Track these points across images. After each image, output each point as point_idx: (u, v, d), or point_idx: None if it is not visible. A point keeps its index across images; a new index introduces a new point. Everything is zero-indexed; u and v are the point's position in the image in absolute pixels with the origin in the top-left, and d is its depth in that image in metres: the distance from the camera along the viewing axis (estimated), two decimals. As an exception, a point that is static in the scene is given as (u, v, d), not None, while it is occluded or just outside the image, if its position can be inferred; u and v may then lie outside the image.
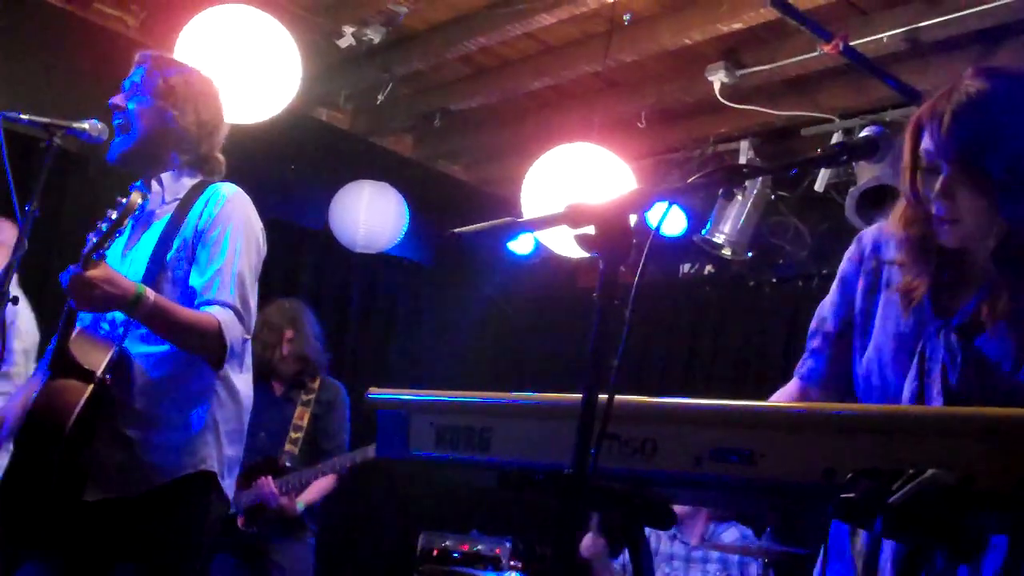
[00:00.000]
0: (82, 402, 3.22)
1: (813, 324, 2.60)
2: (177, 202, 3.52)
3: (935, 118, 2.24)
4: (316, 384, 6.15)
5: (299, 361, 6.13)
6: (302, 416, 6.03)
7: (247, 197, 3.60)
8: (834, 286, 2.57)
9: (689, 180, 1.88)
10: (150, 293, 3.19)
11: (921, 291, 2.33)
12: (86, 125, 3.46)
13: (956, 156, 2.20)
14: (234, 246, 3.45)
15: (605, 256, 1.78)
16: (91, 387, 3.25)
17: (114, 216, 3.06)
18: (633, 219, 1.81)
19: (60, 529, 3.30)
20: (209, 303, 3.34)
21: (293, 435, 5.99)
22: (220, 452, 3.46)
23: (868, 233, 2.54)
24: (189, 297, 3.39)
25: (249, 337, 3.48)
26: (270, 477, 5.74)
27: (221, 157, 3.71)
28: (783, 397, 2.60)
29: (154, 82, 3.57)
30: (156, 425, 3.35)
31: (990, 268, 2.26)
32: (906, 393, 2.27)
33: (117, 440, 3.30)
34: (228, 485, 3.49)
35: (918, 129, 2.30)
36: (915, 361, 2.28)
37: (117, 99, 3.54)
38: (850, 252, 2.55)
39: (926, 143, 2.26)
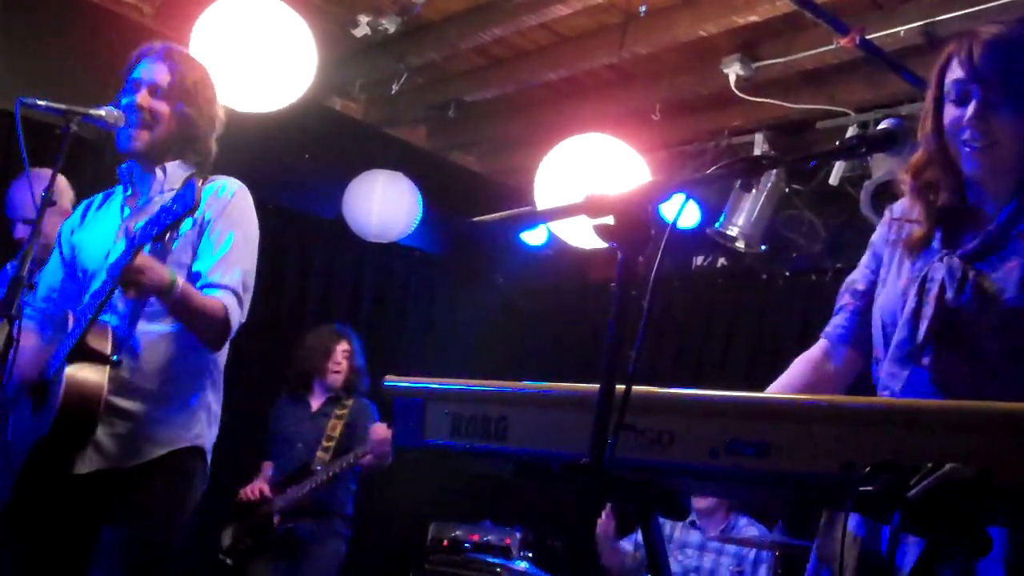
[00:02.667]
0: (105, 384, 3.32)
1: (843, 287, 2.63)
2: (174, 191, 3.54)
3: (963, 49, 2.30)
4: (350, 402, 6.57)
5: (351, 373, 6.61)
6: (335, 428, 6.47)
7: (248, 192, 3.69)
8: (867, 251, 2.63)
9: (708, 171, 1.88)
10: (180, 280, 3.28)
11: (925, 233, 2.39)
12: (103, 112, 3.47)
13: (992, 75, 2.26)
14: (239, 238, 3.56)
15: (623, 247, 1.78)
16: (108, 368, 3.33)
17: (174, 209, 3.06)
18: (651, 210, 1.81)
19: (50, 503, 3.40)
20: (213, 286, 3.45)
21: (325, 444, 6.41)
22: (210, 430, 3.61)
23: (897, 203, 2.59)
24: (191, 281, 3.46)
25: (243, 320, 3.55)
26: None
27: (214, 148, 3.76)
28: (805, 361, 2.66)
29: (183, 86, 3.62)
30: (155, 401, 3.45)
31: (1003, 200, 2.33)
32: (906, 308, 2.30)
33: (116, 413, 3.38)
34: (208, 464, 3.62)
35: (945, 65, 2.36)
36: (917, 284, 2.32)
37: (141, 99, 3.55)
38: (882, 220, 2.62)
39: (955, 74, 2.32)
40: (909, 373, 2.27)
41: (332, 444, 6.42)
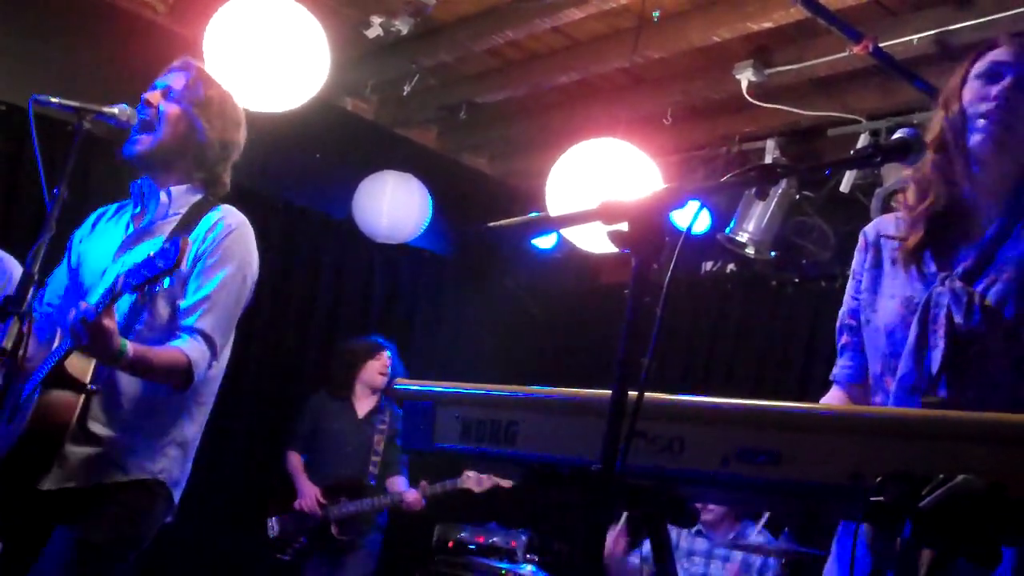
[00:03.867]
0: (76, 413, 3.30)
1: (838, 324, 2.63)
2: (179, 217, 3.54)
3: (1011, 41, 2.37)
4: (388, 416, 6.93)
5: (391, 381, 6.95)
6: (379, 443, 6.86)
7: (250, 228, 3.61)
8: (849, 281, 2.62)
9: (723, 179, 1.88)
10: (130, 348, 3.21)
11: (917, 242, 2.38)
12: (116, 110, 3.46)
13: None
14: (226, 278, 3.48)
15: (637, 253, 1.78)
16: (82, 397, 3.30)
17: (157, 264, 3.01)
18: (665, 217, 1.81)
19: (16, 512, 3.42)
20: (188, 329, 3.40)
21: (373, 458, 6.83)
22: (182, 466, 3.56)
23: (869, 225, 2.61)
24: (174, 315, 3.45)
25: (215, 364, 3.50)
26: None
27: (228, 181, 3.72)
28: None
29: (195, 92, 3.60)
30: (126, 429, 3.41)
31: (994, 212, 2.34)
32: (909, 340, 2.28)
33: (87, 437, 3.35)
34: (177, 495, 3.57)
35: (986, 50, 2.42)
36: (919, 310, 2.31)
37: (151, 96, 3.55)
38: (857, 246, 2.62)
39: (997, 55, 2.37)
40: (917, 407, 2.26)
41: (379, 459, 6.84)
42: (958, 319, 2.24)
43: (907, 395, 2.29)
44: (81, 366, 3.29)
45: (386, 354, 6.94)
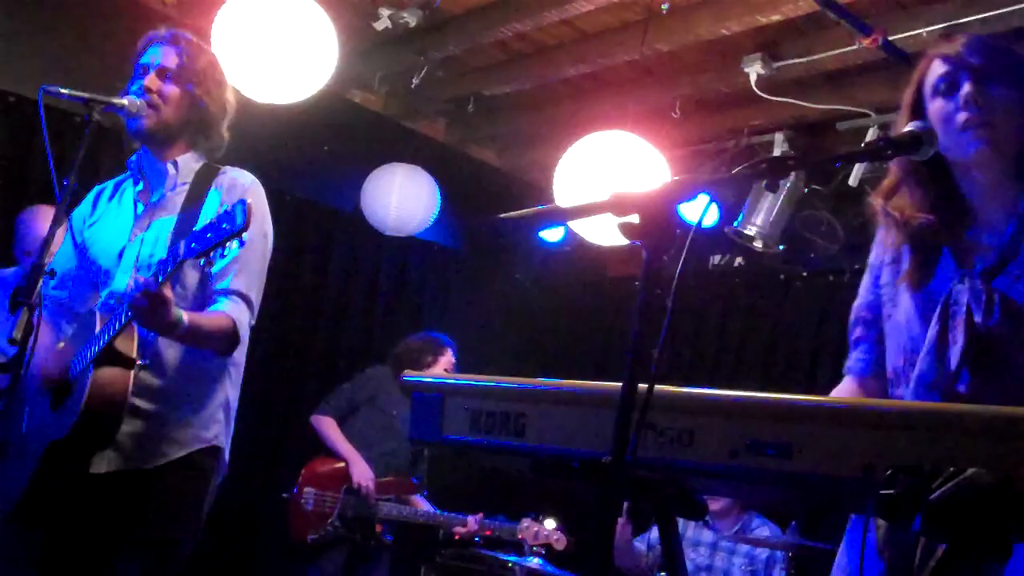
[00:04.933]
0: (130, 388, 3.33)
1: (852, 316, 2.62)
2: (187, 186, 3.58)
3: (942, 49, 2.37)
4: None
5: None
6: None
7: (260, 185, 3.67)
8: (865, 275, 2.60)
9: (734, 171, 1.88)
10: (185, 317, 3.25)
11: (919, 217, 2.40)
12: (125, 101, 3.48)
13: (979, 60, 2.31)
14: (252, 237, 3.42)
15: (648, 246, 1.77)
16: (132, 372, 3.34)
17: (223, 227, 2.99)
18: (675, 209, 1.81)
19: (69, 503, 3.40)
20: (224, 292, 3.47)
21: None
22: (228, 428, 3.63)
23: None
24: (205, 280, 3.50)
25: (254, 323, 3.57)
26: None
27: (226, 139, 3.75)
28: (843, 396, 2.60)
29: (192, 68, 3.62)
30: (175, 401, 3.47)
31: (1004, 188, 2.34)
32: (928, 336, 2.28)
33: (135, 413, 3.39)
34: (227, 457, 3.64)
35: (921, 75, 2.41)
36: (939, 307, 2.30)
37: (150, 82, 3.55)
38: (876, 239, 2.62)
39: (937, 71, 2.36)
40: (939, 401, 2.25)
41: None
42: (978, 317, 2.23)
43: (926, 391, 2.28)
44: (126, 343, 3.33)
45: (450, 351, 6.69)
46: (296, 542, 6.23)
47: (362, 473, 6.22)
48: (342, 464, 6.29)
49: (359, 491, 6.20)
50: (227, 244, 3.00)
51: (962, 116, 2.30)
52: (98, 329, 3.35)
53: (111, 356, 3.30)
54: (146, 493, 3.39)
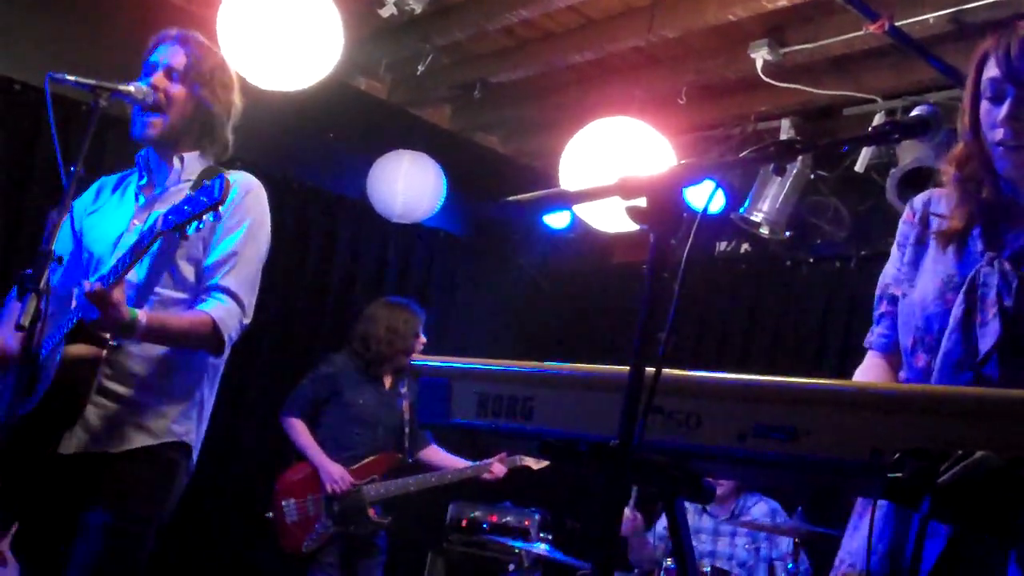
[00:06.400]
0: (100, 365, 3.35)
1: (877, 291, 2.60)
2: (190, 183, 3.56)
3: (1001, 47, 2.28)
4: (407, 382, 6.54)
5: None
6: (407, 411, 6.42)
7: (263, 189, 3.68)
8: (892, 250, 2.58)
9: (741, 155, 1.87)
10: (142, 316, 3.24)
11: (962, 226, 2.36)
12: (131, 88, 3.48)
13: None
14: (249, 235, 3.55)
15: (656, 229, 1.77)
16: (104, 351, 3.35)
17: (200, 199, 3.02)
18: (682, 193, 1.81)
19: (32, 480, 3.41)
20: (214, 288, 3.47)
21: (407, 430, 6.42)
22: (199, 428, 3.61)
23: (919, 196, 2.58)
24: (200, 276, 3.50)
25: (247, 322, 3.56)
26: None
27: (231, 142, 3.77)
28: (867, 375, 2.58)
29: (199, 69, 3.63)
30: (149, 389, 3.46)
31: None
32: (954, 315, 2.26)
33: (107, 395, 3.40)
34: (194, 458, 3.62)
35: (982, 61, 2.35)
36: (964, 288, 2.29)
37: (157, 80, 3.56)
38: (904, 216, 2.59)
39: (991, 72, 2.30)
40: (965, 383, 2.24)
41: (408, 431, 6.41)
42: (1007, 301, 2.22)
43: (953, 371, 2.26)
44: None
45: (422, 339, 6.56)
46: (293, 555, 6.11)
47: (330, 476, 6.10)
48: (309, 464, 6.19)
49: (335, 494, 6.09)
50: (203, 217, 3.02)
51: (998, 133, 2.28)
52: (73, 306, 3.35)
53: (83, 334, 3.30)
54: (108, 476, 3.38)
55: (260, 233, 3.60)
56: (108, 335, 3.35)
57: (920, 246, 2.48)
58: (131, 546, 3.41)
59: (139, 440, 3.42)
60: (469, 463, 6.54)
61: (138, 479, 3.42)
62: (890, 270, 2.58)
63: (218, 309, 3.43)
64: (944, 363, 2.27)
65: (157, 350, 3.46)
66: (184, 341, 3.44)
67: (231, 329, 3.45)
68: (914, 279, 2.45)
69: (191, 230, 3.09)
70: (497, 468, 6.45)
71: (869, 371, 2.57)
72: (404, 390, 6.47)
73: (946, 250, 2.39)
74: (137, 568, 3.43)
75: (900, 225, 2.58)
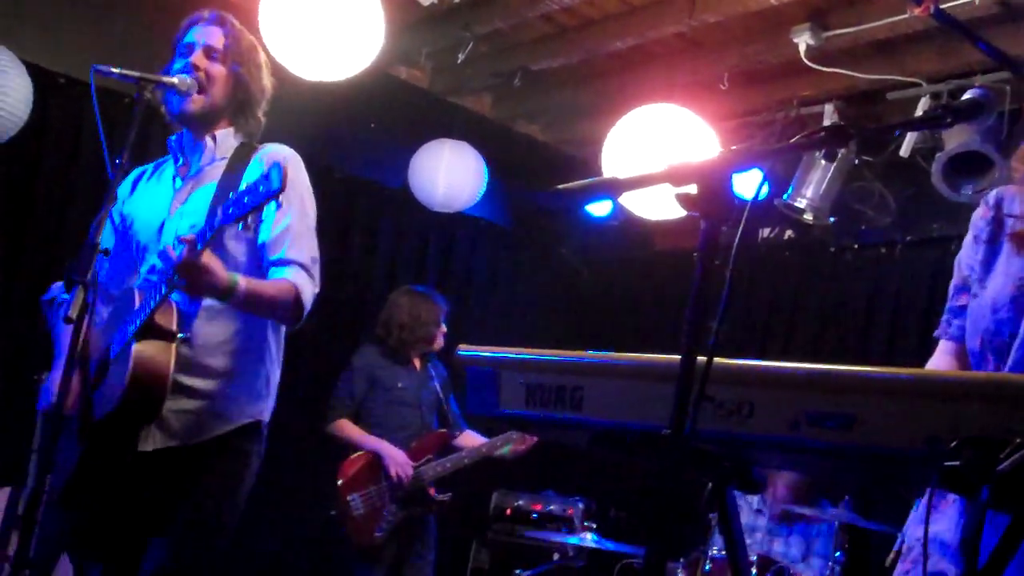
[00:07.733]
0: (172, 361, 3.33)
1: (955, 280, 2.55)
2: (225, 160, 3.59)
3: None
4: (435, 365, 6.60)
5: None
6: (441, 390, 6.51)
7: (300, 159, 3.67)
8: (967, 240, 2.53)
9: (793, 140, 1.85)
10: (242, 281, 3.26)
11: None
12: (175, 80, 3.50)
13: None
14: (299, 207, 3.55)
15: (706, 216, 1.76)
16: (174, 345, 3.35)
17: (260, 190, 2.97)
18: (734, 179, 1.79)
19: (113, 479, 3.42)
20: (282, 262, 3.46)
21: (442, 408, 6.52)
22: (270, 403, 3.64)
23: (993, 192, 2.52)
24: (255, 253, 3.51)
25: (317, 291, 3.57)
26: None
27: (263, 121, 3.77)
28: (940, 367, 2.53)
29: (237, 49, 3.64)
30: (222, 377, 3.48)
31: None
32: None
33: (183, 391, 3.40)
34: (264, 439, 3.66)
35: None
36: None
37: (197, 59, 3.57)
38: (979, 211, 2.54)
39: None
40: None
41: (447, 409, 6.52)
42: None
43: None
44: (165, 317, 3.33)
45: (443, 328, 6.60)
46: (365, 547, 6.11)
47: (395, 461, 6.13)
48: (369, 454, 6.20)
49: (401, 480, 6.11)
50: (263, 207, 2.99)
51: None
52: (137, 305, 3.36)
53: (151, 330, 3.30)
54: (189, 472, 3.41)
55: (308, 201, 3.62)
56: (175, 328, 3.34)
57: (993, 245, 2.44)
58: (211, 538, 3.45)
59: (215, 428, 3.46)
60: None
61: (215, 471, 3.46)
62: (967, 258, 2.53)
63: (297, 276, 3.44)
64: (1015, 371, 2.23)
65: (219, 337, 3.47)
66: (271, 308, 3.45)
67: (307, 297, 3.47)
68: (985, 280, 2.41)
69: (254, 221, 3.08)
70: (527, 440, 6.38)
71: (943, 362, 2.53)
72: (433, 371, 6.52)
73: (1020, 252, 2.34)
74: (215, 561, 3.45)
75: (974, 219, 2.52)
